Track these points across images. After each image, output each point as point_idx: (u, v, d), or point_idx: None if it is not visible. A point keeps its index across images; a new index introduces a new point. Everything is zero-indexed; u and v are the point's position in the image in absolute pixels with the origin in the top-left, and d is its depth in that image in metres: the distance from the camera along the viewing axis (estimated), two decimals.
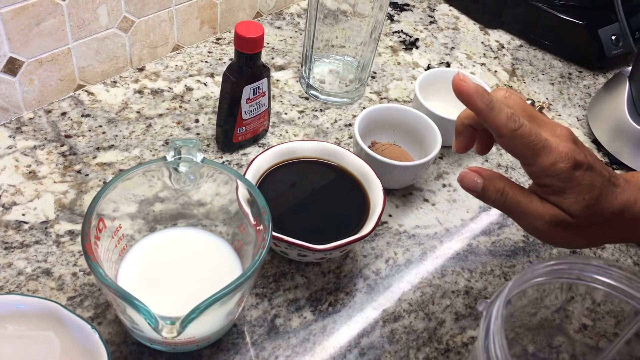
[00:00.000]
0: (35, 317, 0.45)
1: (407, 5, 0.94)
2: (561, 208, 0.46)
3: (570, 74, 0.87)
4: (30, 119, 0.66)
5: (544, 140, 0.44)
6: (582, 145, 0.47)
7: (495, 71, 0.85)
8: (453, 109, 0.73)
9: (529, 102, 0.67)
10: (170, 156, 0.50)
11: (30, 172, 0.61)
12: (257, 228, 0.49)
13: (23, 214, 0.58)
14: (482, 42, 0.90)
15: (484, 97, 0.44)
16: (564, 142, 0.45)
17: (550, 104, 0.81)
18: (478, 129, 0.50)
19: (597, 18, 0.85)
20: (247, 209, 0.51)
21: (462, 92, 0.45)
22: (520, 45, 0.90)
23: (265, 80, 0.63)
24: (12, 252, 0.55)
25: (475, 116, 0.46)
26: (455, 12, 0.95)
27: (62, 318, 0.44)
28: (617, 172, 0.53)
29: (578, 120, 0.80)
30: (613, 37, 0.84)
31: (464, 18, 0.94)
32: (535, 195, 0.46)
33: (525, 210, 0.46)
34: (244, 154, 0.67)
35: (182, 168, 0.51)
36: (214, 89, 0.74)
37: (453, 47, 0.88)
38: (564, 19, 0.85)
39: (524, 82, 0.84)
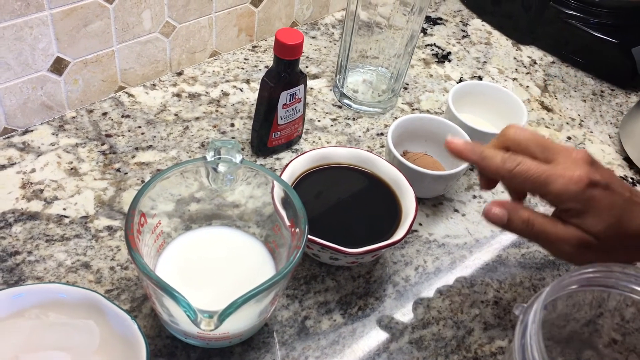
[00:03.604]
0: (77, 306, 0.46)
1: (440, 19, 0.95)
2: (584, 230, 0.47)
3: (602, 91, 0.87)
4: (73, 117, 0.68)
5: (546, 171, 0.46)
6: (600, 166, 0.49)
7: (527, 86, 0.85)
8: (485, 121, 0.74)
9: None
10: (210, 156, 0.52)
11: (71, 169, 0.63)
12: (293, 230, 0.50)
13: (64, 209, 0.60)
14: (515, 58, 0.90)
15: (474, 150, 0.49)
16: (578, 165, 0.47)
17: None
18: None
19: (631, 37, 0.85)
20: (282, 211, 0.53)
21: (454, 151, 0.50)
22: (553, 62, 0.91)
23: (301, 86, 0.64)
24: (53, 244, 0.57)
25: None
26: (488, 27, 0.96)
27: (102, 308, 0.46)
28: None
29: (610, 138, 0.80)
30: None
31: (496, 33, 0.94)
32: (559, 221, 0.48)
33: (551, 237, 0.48)
34: (278, 159, 0.68)
35: (221, 168, 0.52)
36: (250, 95, 0.75)
37: (485, 62, 0.88)
38: (597, 36, 0.85)
39: (556, 98, 0.84)
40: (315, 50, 0.84)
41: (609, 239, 0.47)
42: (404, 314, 0.57)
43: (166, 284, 0.43)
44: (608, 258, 0.48)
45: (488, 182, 0.55)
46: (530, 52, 0.92)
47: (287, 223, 0.52)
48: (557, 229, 0.47)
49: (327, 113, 0.75)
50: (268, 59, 0.81)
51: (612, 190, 0.47)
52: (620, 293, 0.42)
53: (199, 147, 0.68)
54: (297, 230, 0.49)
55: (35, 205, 0.59)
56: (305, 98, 0.67)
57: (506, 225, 0.49)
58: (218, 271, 0.53)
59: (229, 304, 0.42)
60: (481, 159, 0.49)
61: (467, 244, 0.63)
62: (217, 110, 0.73)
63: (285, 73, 0.62)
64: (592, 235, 0.47)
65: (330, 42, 0.86)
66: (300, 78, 0.64)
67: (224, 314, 0.42)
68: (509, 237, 0.65)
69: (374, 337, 0.54)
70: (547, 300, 0.38)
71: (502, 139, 0.51)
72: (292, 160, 0.60)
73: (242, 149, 0.68)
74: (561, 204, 0.47)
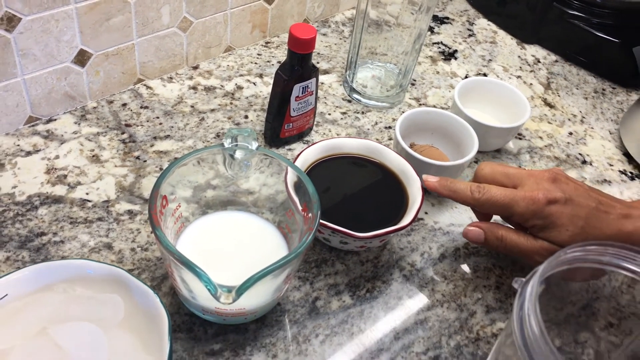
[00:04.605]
0: (102, 282, 0.49)
1: (447, 18, 0.98)
2: (550, 242, 0.54)
3: (604, 89, 0.90)
4: (94, 108, 0.71)
5: (508, 195, 0.54)
6: (567, 182, 0.55)
7: (531, 84, 0.88)
8: (489, 116, 0.76)
9: None
10: (227, 143, 0.54)
11: (93, 156, 0.66)
12: (306, 215, 0.53)
13: (87, 193, 0.63)
14: (519, 56, 0.93)
15: (446, 186, 0.58)
16: (540, 185, 0.54)
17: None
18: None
19: (632, 36, 0.88)
20: (295, 197, 0.55)
21: (430, 189, 0.59)
22: (556, 61, 0.93)
23: (314, 80, 0.67)
24: (77, 226, 0.60)
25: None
26: (494, 26, 0.98)
27: (127, 283, 0.48)
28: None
29: (610, 134, 0.83)
30: None
31: (501, 33, 0.97)
32: (529, 236, 0.56)
33: (523, 250, 0.55)
34: (290, 149, 0.71)
35: (238, 154, 0.55)
36: (262, 89, 0.78)
37: (490, 60, 0.91)
38: (599, 36, 0.88)
39: (559, 96, 0.87)
40: (326, 46, 0.87)
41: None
42: (410, 297, 0.59)
43: (188, 260, 0.45)
44: None
45: (483, 216, 0.62)
46: (534, 51, 0.94)
47: (300, 208, 0.54)
48: (528, 242, 0.55)
49: (337, 107, 0.78)
50: (280, 55, 0.84)
51: (575, 203, 0.53)
52: (613, 270, 0.44)
53: (214, 138, 0.71)
54: (310, 215, 0.52)
55: (60, 190, 0.62)
56: (317, 91, 0.69)
57: (483, 242, 0.57)
58: (234, 252, 0.56)
59: (247, 279, 0.45)
60: (452, 192, 0.57)
61: None
62: (231, 103, 0.75)
63: (298, 66, 0.65)
64: (559, 245, 0.53)
65: (340, 39, 0.89)
66: (312, 72, 0.67)
67: (242, 288, 0.45)
68: None
69: (381, 317, 0.57)
70: (544, 275, 0.40)
71: (475, 177, 0.59)
72: (304, 150, 0.63)
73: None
74: (525, 222, 0.55)
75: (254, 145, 0.55)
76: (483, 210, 0.58)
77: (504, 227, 0.57)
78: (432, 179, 0.59)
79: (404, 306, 0.58)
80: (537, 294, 0.38)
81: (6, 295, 0.47)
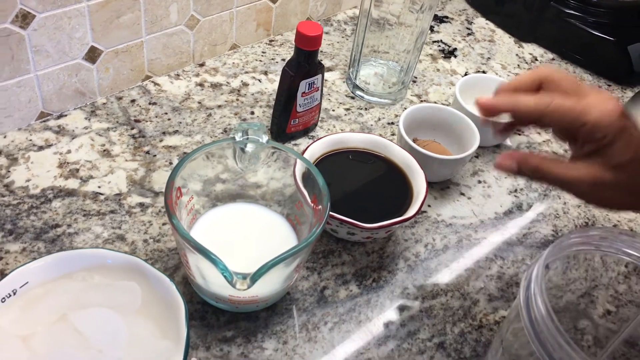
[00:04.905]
0: (120, 270, 0.50)
1: (447, 17, 1.00)
2: (606, 164, 0.48)
3: (599, 87, 0.92)
4: (104, 104, 0.73)
5: (580, 103, 0.47)
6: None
7: None
8: None
9: None
10: (238, 136, 0.56)
11: (104, 151, 0.68)
12: (315, 206, 0.55)
13: (99, 187, 0.64)
14: (517, 54, 0.95)
15: (507, 102, 0.50)
16: (610, 99, 0.48)
17: None
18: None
19: (628, 35, 0.90)
20: (304, 189, 0.57)
21: (488, 108, 0.51)
22: (553, 59, 0.96)
23: (319, 76, 0.69)
24: (91, 218, 0.61)
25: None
26: (492, 25, 1.00)
27: (144, 271, 0.50)
28: None
29: None
30: None
31: (499, 31, 0.99)
32: (572, 162, 0.50)
33: (562, 179, 0.50)
34: (295, 144, 0.73)
35: (249, 147, 0.57)
36: (268, 85, 0.80)
37: (489, 58, 0.93)
38: (595, 35, 0.90)
39: None
40: (329, 44, 0.89)
41: (627, 175, 0.48)
42: (415, 286, 0.61)
43: (205, 248, 0.47)
44: (620, 197, 0.49)
45: (506, 127, 0.56)
46: (531, 49, 0.96)
47: (309, 200, 0.56)
48: (570, 171, 0.49)
49: (340, 103, 0.80)
50: (284, 53, 0.86)
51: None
52: (614, 255, 0.46)
53: (222, 133, 0.72)
54: (320, 207, 0.54)
55: (72, 183, 0.64)
56: (322, 87, 0.71)
57: (516, 173, 0.51)
58: (245, 243, 0.57)
59: (261, 266, 0.47)
60: (515, 105, 0.50)
61: (473, 224, 0.68)
62: (237, 99, 0.77)
63: (305, 63, 0.67)
64: (615, 167, 0.48)
65: (342, 37, 0.91)
66: (318, 68, 0.68)
67: (257, 275, 0.47)
68: (511, 219, 0.69)
69: (387, 305, 0.59)
70: (549, 259, 0.42)
71: (535, 76, 0.52)
72: (311, 144, 0.65)
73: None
74: (596, 133, 0.48)
75: (264, 138, 0.56)
76: (547, 123, 0.50)
77: (539, 156, 0.51)
78: (484, 98, 0.51)
79: (409, 295, 0.60)
80: (543, 276, 0.40)
81: (27, 282, 0.48)
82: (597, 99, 0.48)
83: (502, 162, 0.52)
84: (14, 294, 0.48)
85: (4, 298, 0.47)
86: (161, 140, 0.70)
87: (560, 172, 0.50)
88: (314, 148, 0.65)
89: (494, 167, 0.53)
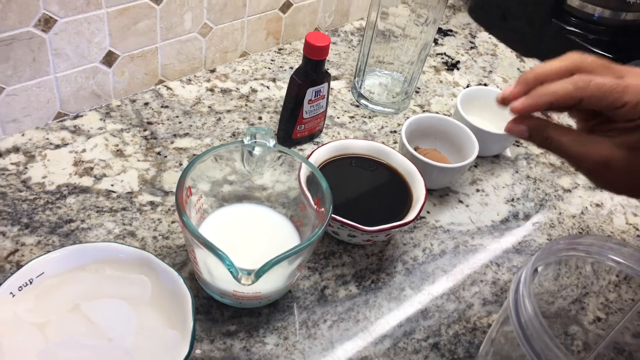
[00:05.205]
0: (131, 263, 0.53)
1: (451, 31, 1.03)
2: (632, 139, 0.47)
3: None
4: (118, 106, 0.76)
5: (620, 84, 0.47)
6: None
7: None
8: (489, 123, 0.81)
9: None
10: (247, 140, 0.59)
11: (117, 151, 0.71)
12: (318, 209, 0.57)
13: (112, 185, 0.67)
14: (518, 68, 0.98)
15: (543, 94, 0.48)
16: None
17: None
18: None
19: (626, 52, 0.92)
20: (308, 192, 0.60)
21: (526, 109, 0.49)
22: None
23: (326, 84, 0.72)
24: (103, 215, 0.64)
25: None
26: (494, 40, 1.03)
27: (154, 265, 0.53)
28: None
29: None
30: None
31: (502, 46, 1.02)
32: (587, 138, 0.49)
33: (571, 153, 0.49)
34: (301, 149, 0.76)
35: (257, 150, 0.59)
36: (275, 92, 0.83)
37: (491, 71, 0.96)
38: (595, 52, 0.93)
39: None
40: (336, 54, 0.92)
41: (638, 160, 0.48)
42: (412, 288, 0.64)
43: (212, 244, 0.50)
44: (623, 180, 0.49)
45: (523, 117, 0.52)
46: (532, 64, 0.99)
47: (313, 202, 0.59)
48: (583, 147, 0.48)
49: (345, 111, 0.83)
50: (292, 61, 0.89)
51: None
52: (602, 262, 0.49)
53: (230, 137, 0.75)
54: (323, 209, 0.56)
55: (86, 181, 0.67)
56: (328, 95, 0.74)
57: (527, 139, 0.50)
58: (250, 241, 0.60)
59: (265, 263, 0.50)
60: (553, 95, 0.47)
61: (470, 231, 0.71)
62: (246, 105, 0.80)
63: (312, 72, 0.69)
64: (634, 148, 0.47)
65: (349, 47, 0.94)
66: (325, 77, 0.71)
67: (261, 271, 0.49)
68: (507, 227, 0.72)
69: (385, 306, 0.61)
70: (537, 263, 0.44)
71: (567, 63, 0.50)
72: (316, 149, 0.67)
73: None
74: (635, 113, 0.47)
75: (272, 142, 0.59)
76: (590, 103, 0.48)
77: (554, 127, 0.50)
78: (519, 102, 0.49)
79: (406, 297, 0.63)
80: (531, 278, 0.42)
81: (43, 273, 0.51)
82: (637, 80, 0.48)
83: (513, 127, 0.50)
84: (30, 283, 0.51)
85: (21, 287, 0.50)
86: (172, 142, 0.73)
87: (571, 144, 0.49)
88: (319, 153, 0.67)
89: (504, 131, 0.51)
